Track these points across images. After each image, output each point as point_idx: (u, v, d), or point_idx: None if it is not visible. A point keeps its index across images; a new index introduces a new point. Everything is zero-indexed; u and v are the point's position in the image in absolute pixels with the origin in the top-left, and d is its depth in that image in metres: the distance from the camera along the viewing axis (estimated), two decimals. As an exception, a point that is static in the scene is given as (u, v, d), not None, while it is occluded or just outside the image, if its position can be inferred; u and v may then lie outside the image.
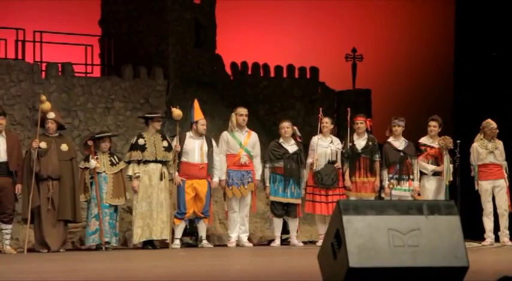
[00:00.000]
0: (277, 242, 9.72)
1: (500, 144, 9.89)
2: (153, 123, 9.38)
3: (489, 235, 9.81)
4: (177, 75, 14.75)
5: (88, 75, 14.24)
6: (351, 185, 9.67)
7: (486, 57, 12.60)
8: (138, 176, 9.13)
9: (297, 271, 6.06)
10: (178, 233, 9.35)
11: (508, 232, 9.81)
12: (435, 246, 4.50)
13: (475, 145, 9.89)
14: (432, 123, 9.87)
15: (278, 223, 9.74)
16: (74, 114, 12.68)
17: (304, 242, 10.07)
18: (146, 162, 9.19)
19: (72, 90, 12.91)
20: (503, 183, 9.80)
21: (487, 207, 9.83)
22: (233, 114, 9.72)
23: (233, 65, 16.15)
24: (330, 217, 5.03)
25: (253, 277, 5.70)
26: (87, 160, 9.06)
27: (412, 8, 18.65)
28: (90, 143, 9.09)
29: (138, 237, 9.11)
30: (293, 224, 9.78)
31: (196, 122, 9.45)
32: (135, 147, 9.22)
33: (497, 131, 9.87)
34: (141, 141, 9.24)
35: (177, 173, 9.29)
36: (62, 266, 6.97)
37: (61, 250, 8.80)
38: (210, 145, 9.43)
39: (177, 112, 9.44)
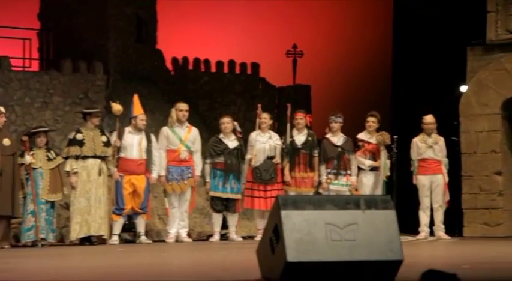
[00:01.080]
0: (217, 237, 9.70)
1: (441, 140, 10.06)
2: (92, 118, 9.26)
3: (424, 229, 9.97)
4: (117, 70, 14.60)
5: (26, 69, 13.99)
6: (291, 181, 9.71)
7: (424, 55, 12.80)
8: (76, 172, 9.00)
9: (235, 265, 6.05)
10: (117, 229, 9.26)
11: (443, 226, 9.99)
12: (371, 240, 4.53)
13: (415, 139, 10.07)
14: (370, 119, 9.97)
15: (217, 218, 9.73)
16: (11, 109, 12.44)
17: (243, 237, 10.07)
18: (84, 157, 9.07)
19: (9, 84, 12.67)
20: (440, 178, 9.95)
21: (424, 201, 9.98)
22: (173, 109, 9.66)
23: (174, 60, 16.06)
24: (269, 212, 5.03)
25: (192, 272, 5.68)
26: (22, 155, 8.90)
27: (352, 5, 18.83)
28: (24, 138, 8.94)
29: (75, 233, 8.99)
30: (232, 219, 9.78)
31: (136, 117, 9.36)
32: (73, 142, 9.10)
33: (434, 126, 10.03)
34: (79, 136, 9.11)
35: (115, 169, 9.19)
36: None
37: (5, 246, 8.63)
38: (149, 141, 9.36)
39: (116, 107, 9.34)
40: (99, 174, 9.07)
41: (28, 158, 8.82)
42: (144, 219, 9.36)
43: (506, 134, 11.01)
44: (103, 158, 9.16)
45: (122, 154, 9.25)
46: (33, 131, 9.19)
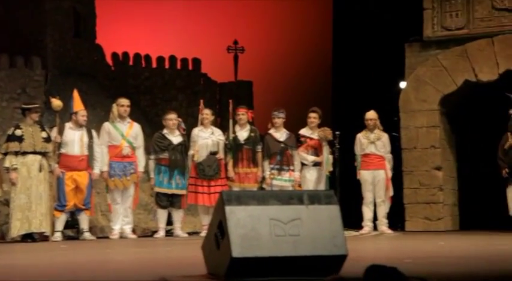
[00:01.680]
0: (162, 233, 9.68)
1: (384, 136, 10.19)
2: (31, 114, 9.12)
3: (367, 224, 10.12)
4: (56, 65, 14.44)
5: (-39, 64, 13.70)
6: (234, 176, 9.73)
7: (363, 51, 12.97)
8: (16, 168, 8.87)
9: (181, 261, 6.06)
10: (59, 225, 9.16)
11: (386, 220, 10.14)
12: (315, 235, 4.59)
13: (358, 135, 10.20)
14: (312, 115, 10.06)
15: (162, 214, 9.71)
16: None
17: (189, 233, 10.07)
18: (24, 153, 8.93)
19: None
20: (382, 174, 10.08)
21: (367, 196, 10.12)
22: (114, 105, 9.60)
23: (114, 55, 15.94)
24: (213, 208, 5.05)
25: (137, 268, 5.66)
26: (-43, 151, 8.71)
27: (293, 2, 18.96)
28: (-38, 134, 8.75)
29: (16, 230, 8.85)
30: (177, 215, 9.77)
31: (76, 113, 9.27)
32: (12, 138, 8.95)
33: (376, 122, 10.18)
34: (18, 132, 8.97)
35: (56, 165, 9.09)
36: None
37: None
38: (90, 136, 9.28)
39: (56, 103, 9.23)
40: (40, 170, 8.95)
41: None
42: (87, 215, 9.28)
43: (445, 129, 11.25)
44: (43, 154, 9.04)
45: (63, 150, 9.15)
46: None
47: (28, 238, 8.93)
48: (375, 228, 10.15)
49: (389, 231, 10.07)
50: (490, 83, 10.88)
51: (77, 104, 9.33)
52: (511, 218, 10.25)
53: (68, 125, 9.29)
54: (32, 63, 13.61)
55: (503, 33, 10.70)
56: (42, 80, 13.60)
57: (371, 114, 10.23)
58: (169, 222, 9.85)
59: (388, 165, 10.16)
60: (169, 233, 9.84)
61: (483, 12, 10.83)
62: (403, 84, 11.51)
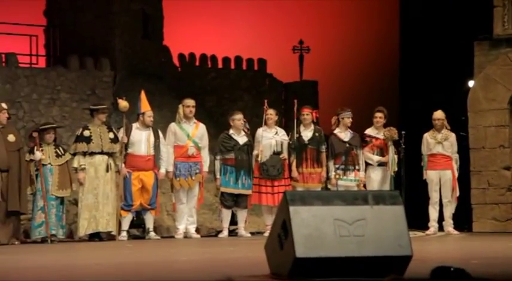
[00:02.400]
0: (225, 233, 9.72)
1: (451, 136, 10.04)
2: (98, 115, 9.28)
3: (433, 224, 9.97)
4: (124, 66, 14.63)
5: (33, 65, 14.03)
6: (298, 176, 9.71)
7: (431, 50, 12.79)
8: (84, 168, 9.03)
9: (244, 261, 6.07)
10: (125, 225, 9.28)
11: (451, 221, 9.98)
12: (380, 236, 4.54)
13: (425, 135, 10.08)
14: (378, 114, 9.97)
15: (227, 214, 9.74)
16: (18, 105, 12.50)
17: (252, 233, 10.09)
18: (92, 154, 9.08)
19: (16, 81, 12.71)
20: (449, 174, 9.93)
21: (433, 197, 9.98)
22: (180, 105, 9.68)
23: (181, 56, 16.07)
24: (277, 208, 5.04)
25: (201, 268, 5.70)
26: (32, 152, 8.90)
27: (359, 0, 18.80)
28: (35, 134, 8.94)
29: (84, 229, 9.01)
30: (242, 215, 9.79)
31: (143, 114, 9.38)
32: (80, 139, 9.12)
33: (443, 121, 10.02)
34: (86, 132, 9.13)
35: (123, 165, 9.21)
36: (7, 261, 6.85)
37: (16, 243, 8.66)
38: (156, 137, 9.38)
39: (123, 104, 9.35)
40: (107, 170, 9.09)
41: (39, 154, 8.82)
42: (152, 215, 9.38)
43: (515, 129, 10.98)
44: (110, 154, 9.18)
45: (129, 150, 9.27)
46: (42, 127, 9.20)
47: (95, 237, 9.09)
48: (441, 229, 10.00)
49: (456, 232, 9.91)
50: (561, 81, 10.59)
51: (144, 105, 9.44)
52: None
53: (135, 125, 9.41)
54: (101, 65, 13.83)
55: None
56: (110, 81, 13.81)
57: (438, 114, 10.08)
58: (233, 222, 9.88)
59: (455, 165, 10.01)
60: (233, 233, 9.86)
61: (555, 9, 10.54)
62: (471, 83, 11.31)
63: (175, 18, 16.70)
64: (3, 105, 8.90)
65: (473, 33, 11.24)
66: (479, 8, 11.35)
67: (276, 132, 9.84)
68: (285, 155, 9.77)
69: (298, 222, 4.49)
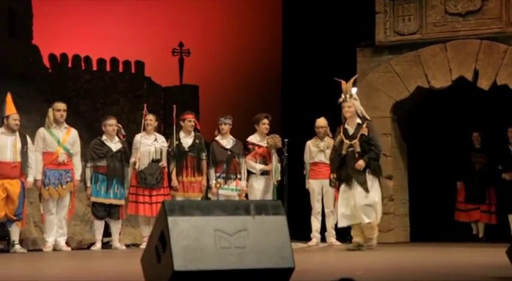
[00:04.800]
0: (98, 245, 9.56)
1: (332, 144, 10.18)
2: (-44, 119, 8.92)
3: (315, 235, 10.14)
4: (-12, 66, 14.15)
5: None
6: (178, 185, 9.67)
7: (314, 56, 13.03)
8: None
9: (119, 275, 5.97)
10: (-12, 238, 8.97)
11: (334, 232, 10.15)
12: (261, 247, 4.56)
13: (308, 142, 10.22)
14: (266, 121, 10.01)
15: (99, 225, 9.59)
16: None
17: (127, 245, 9.97)
18: (-50, 160, 8.72)
19: None
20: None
21: (315, 207, 10.14)
22: (50, 109, 9.48)
23: (51, 56, 15.71)
24: (155, 219, 4.99)
25: (71, 283, 5.56)
26: None
27: (241, 2, 18.97)
28: None
29: None
30: (115, 227, 9.66)
31: (8, 117, 9.10)
32: None
33: (326, 129, 10.19)
34: None
35: (-14, 173, 8.89)
36: None
37: None
38: (24, 142, 9.12)
39: (-14, 107, 9.04)
40: (-32, 178, 8.75)
41: None
42: (18, 227, 9.10)
43: (397, 137, 11.35)
44: (-28, 161, 8.84)
45: (-7, 157, 8.96)
46: None
47: (-47, 250, 8.72)
48: (324, 240, 10.18)
49: (338, 243, 10.10)
50: (443, 89, 11.03)
51: (9, 108, 9.16)
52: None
53: (0, 130, 9.12)
54: (-39, 64, 13.33)
55: (456, 38, 10.86)
56: (-27, 82, 13.32)
57: (321, 122, 10.26)
58: (107, 234, 9.73)
59: (336, 174, 10.17)
60: (107, 245, 9.71)
61: (436, 17, 10.98)
62: (354, 91, 11.59)
63: (45, 16, 16.32)
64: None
65: (356, 39, 11.53)
66: (362, 13, 11.66)
67: (155, 139, 9.78)
68: (164, 162, 9.71)
69: (177, 233, 4.45)
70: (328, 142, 10.14)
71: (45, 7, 16.35)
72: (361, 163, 8.59)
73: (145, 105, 10.05)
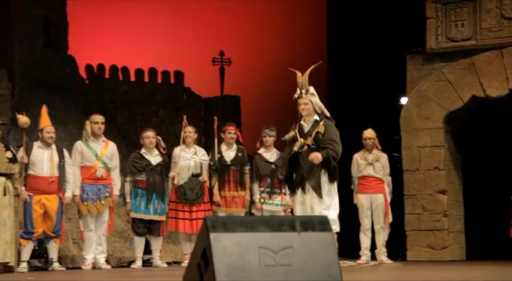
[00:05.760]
0: (139, 263, 9.64)
1: (383, 157, 10.15)
2: (-9, 131, 9.10)
3: (365, 253, 10.11)
4: (24, 78, 14.44)
5: None
6: (220, 200, 9.72)
7: (361, 65, 13.03)
8: (-22, 191, 8.82)
9: (159, 295, 6.04)
10: (26, 255, 9.10)
11: (385, 249, 10.11)
12: (308, 265, 4.59)
13: (355, 156, 10.19)
14: (309, 134, 10.03)
15: (139, 242, 9.67)
16: None
17: (168, 263, 10.04)
18: (-14, 175, 8.88)
19: None
20: (381, 198, 10.06)
21: (364, 223, 10.11)
22: (88, 122, 9.58)
23: (88, 67, 15.97)
24: (196, 235, 5.05)
25: (111, 302, 5.64)
26: None
27: (283, 8, 19.04)
28: None
29: (-22, 260, 8.79)
30: (156, 244, 9.74)
31: (42, 130, 9.24)
32: (-27, 158, 8.90)
33: (374, 141, 10.16)
34: (-21, 151, 8.92)
35: (23, 188, 9.04)
36: None
37: None
38: (61, 156, 9.25)
39: (23, 119, 9.18)
40: (4, 194, 8.89)
41: None
42: (56, 244, 9.22)
43: (450, 149, 11.29)
44: (8, 176, 9.00)
45: (30, 171, 9.11)
46: None
47: (-10, 268, 8.87)
48: (374, 257, 10.15)
49: (389, 261, 10.07)
50: (499, 98, 10.95)
51: (43, 120, 9.29)
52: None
53: (37, 144, 9.26)
54: (-3, 76, 13.60)
55: (513, 44, 10.78)
56: (8, 94, 13.59)
57: (369, 133, 10.24)
58: (148, 251, 9.82)
59: (387, 188, 10.16)
60: (147, 263, 9.80)
61: (491, 22, 10.92)
62: (404, 100, 11.56)
63: (81, 26, 16.57)
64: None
65: (406, 46, 11.50)
66: (412, 19, 11.63)
67: (195, 152, 9.84)
68: (204, 177, 9.77)
69: (220, 250, 4.50)
70: (377, 154, 10.13)
71: (81, 16, 16.61)
72: (317, 155, 7.83)
73: (184, 116, 10.12)
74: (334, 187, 7.99)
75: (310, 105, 8.07)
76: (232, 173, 9.79)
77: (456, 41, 11.08)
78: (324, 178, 7.91)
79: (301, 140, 7.96)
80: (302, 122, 8.10)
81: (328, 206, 7.88)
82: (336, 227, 7.72)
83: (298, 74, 8.15)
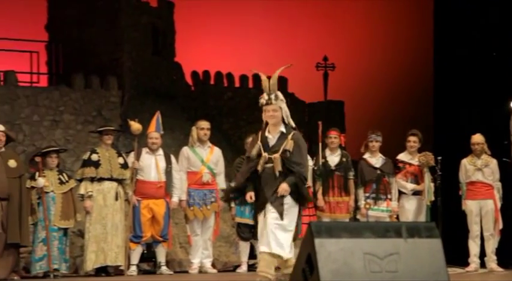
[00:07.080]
0: (244, 267, 9.72)
1: (492, 162, 9.93)
2: (102, 137, 9.33)
3: (474, 260, 9.90)
4: (133, 85, 14.75)
5: (34, 84, 14.17)
6: (324, 206, 9.71)
7: (469, 67, 12.79)
8: (91, 195, 9.06)
9: (265, 299, 6.07)
10: (135, 258, 9.30)
11: (495, 257, 9.88)
12: (415, 272, 4.55)
13: (464, 161, 10.00)
14: (412, 138, 9.94)
15: (245, 246, 9.75)
16: (18, 127, 12.59)
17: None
18: (100, 180, 9.12)
19: (15, 101, 12.83)
20: (491, 204, 9.83)
21: (473, 229, 9.90)
22: (194, 128, 9.71)
23: (194, 74, 16.19)
24: (301, 241, 5.06)
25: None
26: (33, 178, 8.93)
27: (388, 12, 18.87)
28: (38, 159, 8.98)
29: (91, 263, 9.00)
30: (261, 248, 9.78)
31: (147, 136, 9.42)
32: (88, 163, 9.15)
33: (483, 146, 9.95)
34: (94, 157, 9.17)
35: (132, 193, 9.23)
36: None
37: (15, 278, 8.69)
38: (168, 162, 9.40)
39: (135, 126, 9.38)
40: (116, 198, 9.12)
41: (41, 181, 8.84)
42: (164, 248, 9.39)
43: None
44: (120, 181, 9.22)
45: (139, 176, 9.30)
46: (44, 151, 9.24)
47: (101, 271, 9.10)
48: (483, 265, 9.94)
49: (500, 269, 9.84)
50: None
51: (150, 126, 9.47)
52: None
53: (145, 149, 9.44)
54: (107, 84, 13.93)
55: None
56: (118, 101, 13.91)
57: (478, 138, 10.04)
58: (253, 255, 9.88)
59: (497, 194, 9.94)
60: (252, 267, 9.86)
61: None
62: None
63: (188, 33, 16.84)
64: (1, 126, 8.90)
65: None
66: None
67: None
68: (308, 182, 9.77)
69: (325, 256, 4.51)
70: (486, 159, 9.93)
71: (188, 24, 16.88)
72: (285, 187, 6.78)
73: (319, 123, 10.11)
74: (297, 209, 6.90)
75: (279, 112, 7.12)
76: (336, 178, 9.76)
77: None
78: (289, 201, 6.82)
79: (265, 156, 6.93)
80: (267, 134, 7.09)
81: (285, 227, 6.74)
82: (285, 253, 6.64)
83: (263, 77, 7.27)
